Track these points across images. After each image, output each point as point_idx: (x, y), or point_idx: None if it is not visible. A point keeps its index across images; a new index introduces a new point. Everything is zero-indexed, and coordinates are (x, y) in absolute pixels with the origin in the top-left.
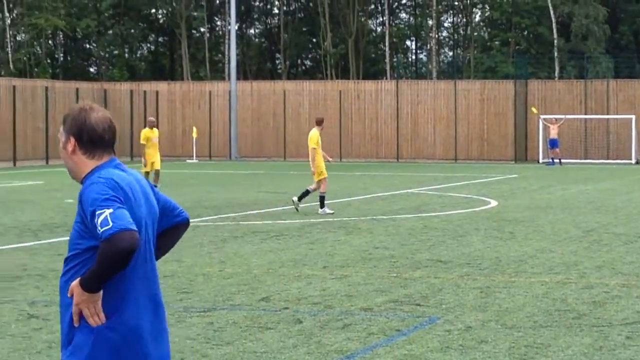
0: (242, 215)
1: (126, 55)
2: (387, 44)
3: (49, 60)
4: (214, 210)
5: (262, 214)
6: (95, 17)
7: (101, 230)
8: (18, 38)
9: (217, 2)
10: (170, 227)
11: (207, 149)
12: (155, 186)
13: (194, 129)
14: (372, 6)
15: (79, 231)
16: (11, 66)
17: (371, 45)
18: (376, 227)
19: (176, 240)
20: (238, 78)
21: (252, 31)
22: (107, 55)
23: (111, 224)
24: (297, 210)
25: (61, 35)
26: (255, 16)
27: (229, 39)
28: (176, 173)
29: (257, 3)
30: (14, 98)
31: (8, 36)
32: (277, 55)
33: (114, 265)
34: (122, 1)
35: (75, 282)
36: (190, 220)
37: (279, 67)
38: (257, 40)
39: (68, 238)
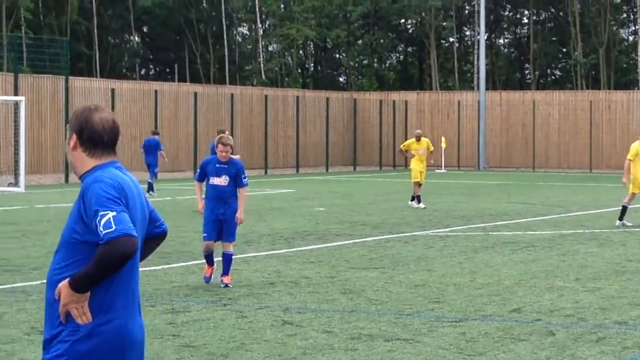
0: (491, 226)
1: (375, 64)
2: (639, 53)
3: (299, 70)
4: (463, 220)
5: (512, 225)
6: (345, 27)
7: (103, 233)
8: (270, 48)
9: (467, 12)
10: (150, 237)
11: (456, 158)
12: (418, 198)
13: (443, 138)
14: (624, 15)
15: (73, 225)
16: (263, 76)
17: (623, 54)
18: (629, 239)
19: (152, 249)
20: (487, 88)
21: (501, 41)
22: (356, 65)
23: (114, 227)
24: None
25: (312, 45)
26: (505, 26)
27: (478, 49)
28: (426, 183)
29: (506, 13)
30: (265, 107)
31: (260, 47)
32: (527, 65)
33: (109, 268)
34: (372, 11)
35: (63, 283)
36: (441, 231)
37: (528, 77)
38: (506, 50)
39: (320, 246)
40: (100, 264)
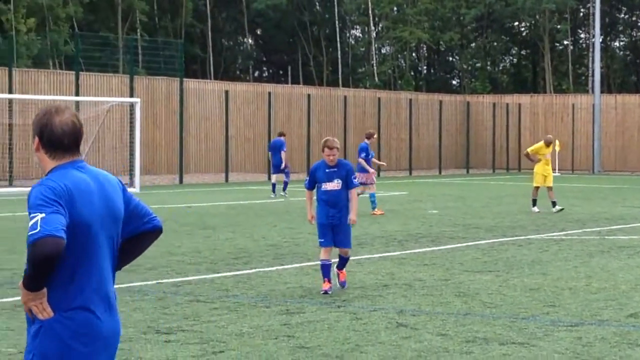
0: (607, 230)
1: (488, 67)
2: None
3: (412, 73)
4: (577, 224)
5: (628, 229)
6: (458, 30)
7: (28, 234)
8: (383, 51)
9: (581, 14)
10: (137, 234)
11: (570, 162)
12: (554, 203)
13: (557, 142)
14: None
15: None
16: (376, 78)
17: None
18: None
19: (142, 247)
20: (602, 91)
21: (616, 44)
22: (469, 67)
23: (38, 228)
24: None
25: (425, 48)
26: (620, 28)
27: (592, 52)
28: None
29: (622, 15)
30: (378, 110)
31: (373, 49)
32: None
33: (40, 268)
34: (486, 14)
35: (20, 283)
36: (556, 234)
37: None
38: (621, 53)
39: (434, 248)
40: (30, 264)
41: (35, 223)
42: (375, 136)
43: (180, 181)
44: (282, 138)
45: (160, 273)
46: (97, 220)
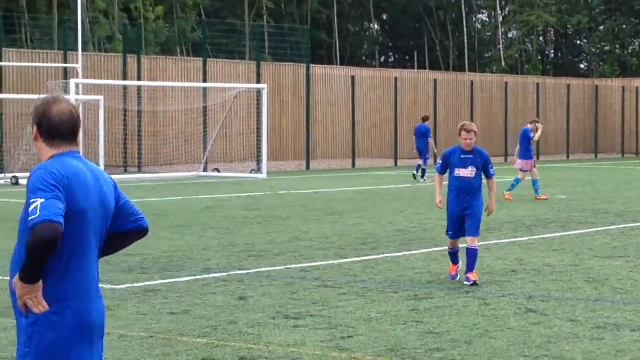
0: None
1: (617, 51)
2: None
3: (539, 57)
4: None
5: None
6: (586, 13)
7: (29, 219)
8: (509, 35)
9: None
10: (123, 231)
11: None
12: None
13: None
14: None
15: (23, 214)
16: (503, 63)
17: None
18: None
19: (124, 244)
20: None
21: None
22: (597, 51)
23: (38, 213)
24: None
25: (552, 32)
26: None
27: None
28: None
29: None
30: (505, 95)
31: (500, 33)
32: None
33: (37, 254)
34: None
35: (16, 277)
36: None
37: None
38: None
39: (563, 234)
40: (29, 250)
41: (35, 208)
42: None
43: (307, 167)
44: (426, 124)
45: (288, 258)
46: (91, 212)
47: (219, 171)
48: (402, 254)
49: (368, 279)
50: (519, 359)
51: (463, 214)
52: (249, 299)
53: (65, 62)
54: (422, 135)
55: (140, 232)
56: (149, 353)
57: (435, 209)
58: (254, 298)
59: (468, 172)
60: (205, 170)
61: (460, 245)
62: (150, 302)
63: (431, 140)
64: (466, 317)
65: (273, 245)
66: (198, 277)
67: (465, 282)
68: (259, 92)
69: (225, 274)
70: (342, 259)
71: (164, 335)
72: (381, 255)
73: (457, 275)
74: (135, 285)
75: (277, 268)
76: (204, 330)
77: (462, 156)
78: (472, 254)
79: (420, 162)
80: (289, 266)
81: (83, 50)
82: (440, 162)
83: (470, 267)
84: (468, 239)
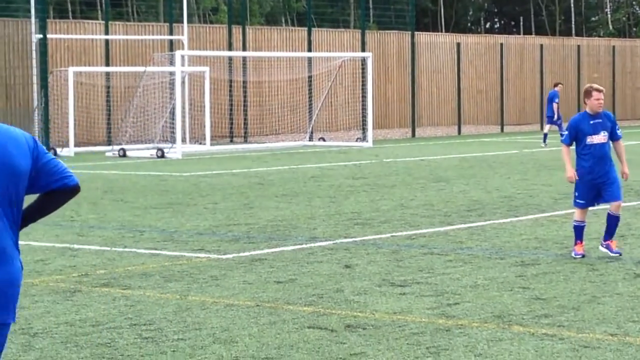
0: None
1: None
2: None
3: None
4: None
5: None
6: None
7: None
8: None
9: None
10: (48, 191)
11: None
12: None
13: None
14: None
15: None
16: (610, 26)
17: None
18: None
19: (54, 205)
20: None
21: None
22: None
23: None
24: None
25: None
26: None
27: None
28: None
29: None
30: (613, 59)
31: None
32: None
33: None
34: None
35: None
36: None
37: None
38: None
39: None
40: None
41: None
42: None
43: (413, 134)
44: (556, 89)
45: (394, 226)
46: None
47: (324, 140)
48: (508, 220)
49: (474, 245)
50: (627, 324)
51: (599, 182)
52: (354, 267)
53: (171, 34)
54: (550, 101)
55: (67, 191)
56: (255, 322)
57: (541, 175)
58: (360, 266)
59: (601, 138)
60: (310, 139)
61: (593, 217)
62: (256, 271)
63: (556, 105)
64: (573, 283)
65: (379, 213)
66: (304, 245)
67: (609, 252)
68: (363, 61)
69: (331, 242)
70: (448, 226)
71: (271, 303)
72: (487, 222)
73: (583, 253)
74: (242, 254)
75: (383, 236)
76: (310, 299)
77: (592, 122)
78: (613, 221)
79: (555, 127)
80: (394, 234)
81: (188, 22)
82: (567, 132)
83: (610, 234)
84: (613, 204)
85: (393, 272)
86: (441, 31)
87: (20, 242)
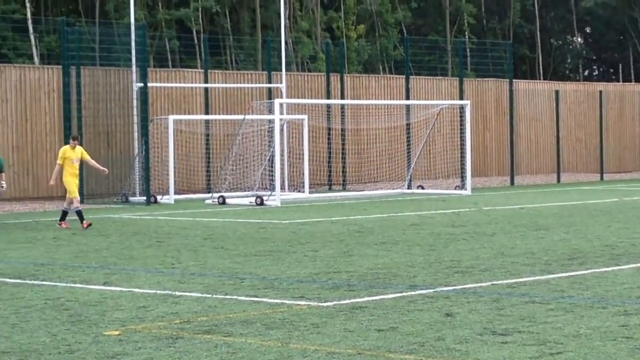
0: None
1: None
2: None
3: None
4: None
5: None
6: None
7: None
8: None
9: None
10: None
11: None
12: None
13: None
14: None
15: None
16: None
17: None
18: None
19: None
20: None
21: None
22: None
23: None
24: None
25: None
26: None
27: None
28: None
29: None
30: None
31: None
32: None
33: None
34: None
35: None
36: None
37: None
38: None
39: None
40: None
41: None
42: None
43: (512, 182)
44: None
45: (494, 274)
46: None
47: (423, 188)
48: (610, 269)
49: (576, 294)
50: None
51: None
52: (455, 315)
53: (269, 82)
54: None
55: None
56: None
57: None
58: (461, 314)
59: None
60: (409, 187)
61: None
62: (357, 318)
63: None
64: None
65: (479, 261)
66: (404, 293)
67: None
68: (461, 108)
69: (431, 290)
70: (549, 275)
71: (372, 352)
72: (589, 271)
73: None
74: (342, 302)
75: (484, 284)
76: (411, 347)
77: None
78: None
79: None
80: (495, 282)
81: (286, 70)
82: None
83: None
84: None
85: (494, 321)
86: (539, 79)
87: (122, 289)
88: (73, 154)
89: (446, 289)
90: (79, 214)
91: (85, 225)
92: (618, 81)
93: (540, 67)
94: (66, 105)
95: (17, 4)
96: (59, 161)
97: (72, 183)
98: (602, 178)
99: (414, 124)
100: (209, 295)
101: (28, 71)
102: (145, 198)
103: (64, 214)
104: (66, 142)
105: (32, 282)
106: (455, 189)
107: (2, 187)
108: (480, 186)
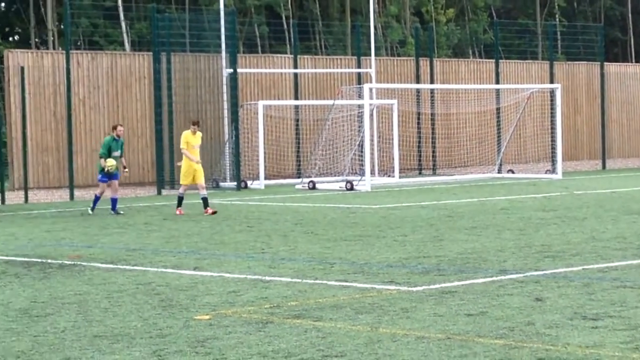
0: None
1: None
2: None
3: None
4: None
5: None
6: None
7: None
8: None
9: None
10: None
11: None
12: None
13: None
14: None
15: None
16: None
17: None
18: None
19: None
20: None
21: None
22: None
23: None
24: None
25: None
26: None
27: None
28: None
29: None
30: None
31: None
32: None
33: None
34: None
35: None
36: None
37: None
38: None
39: None
40: None
41: None
42: None
43: (603, 166)
44: None
45: (585, 259)
46: None
47: (513, 172)
48: None
49: None
50: None
51: None
52: (545, 300)
53: (359, 67)
54: None
55: None
56: (446, 354)
57: None
58: (551, 299)
59: None
60: (499, 171)
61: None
62: (446, 303)
63: None
64: None
65: (569, 246)
66: (494, 278)
67: None
68: (552, 92)
69: (521, 274)
70: None
71: (461, 336)
72: None
73: None
74: (432, 286)
75: (574, 269)
76: (501, 332)
77: None
78: None
79: None
80: (585, 266)
81: (376, 54)
82: None
83: None
84: None
85: (585, 306)
86: (631, 61)
87: (213, 274)
88: (194, 140)
89: (536, 274)
90: (204, 200)
91: (210, 212)
92: None
93: (632, 50)
94: (157, 92)
95: None
96: (182, 146)
97: (193, 170)
98: None
99: (504, 108)
100: (299, 280)
101: (119, 58)
102: (235, 183)
103: (180, 199)
104: (158, 128)
105: (124, 267)
106: (545, 173)
107: (125, 172)
108: (571, 170)
